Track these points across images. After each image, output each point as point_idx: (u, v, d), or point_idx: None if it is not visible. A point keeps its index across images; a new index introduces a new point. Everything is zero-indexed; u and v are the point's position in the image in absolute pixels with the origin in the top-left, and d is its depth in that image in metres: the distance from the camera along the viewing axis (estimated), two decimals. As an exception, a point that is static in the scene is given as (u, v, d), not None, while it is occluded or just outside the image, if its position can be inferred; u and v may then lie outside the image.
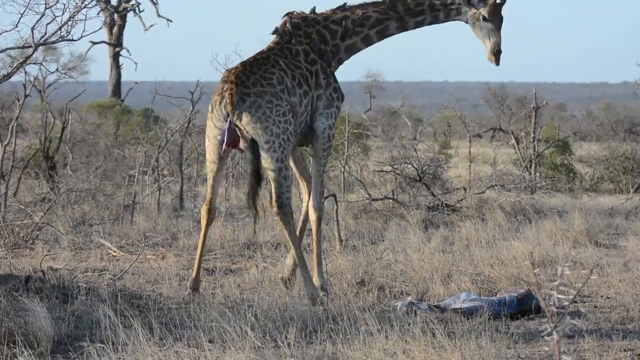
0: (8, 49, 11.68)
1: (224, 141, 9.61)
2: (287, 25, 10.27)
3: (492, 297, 9.62)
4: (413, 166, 17.66)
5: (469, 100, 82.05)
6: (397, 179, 17.72)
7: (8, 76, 11.21)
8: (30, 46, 11.33)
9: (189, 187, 19.20)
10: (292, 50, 10.18)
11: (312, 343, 8.18)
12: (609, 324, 9.06)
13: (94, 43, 41.33)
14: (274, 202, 9.73)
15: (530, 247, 12.43)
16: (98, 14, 31.19)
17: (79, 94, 19.63)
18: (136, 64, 41.16)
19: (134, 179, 17.02)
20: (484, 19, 10.23)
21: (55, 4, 11.47)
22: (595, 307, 9.79)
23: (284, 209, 9.71)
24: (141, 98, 29.13)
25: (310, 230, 10.24)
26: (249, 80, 9.76)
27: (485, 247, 12.87)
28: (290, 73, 9.97)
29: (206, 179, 10.88)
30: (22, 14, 11.48)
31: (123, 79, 42.97)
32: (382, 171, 18.39)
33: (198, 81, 18.32)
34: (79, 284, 9.89)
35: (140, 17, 40.82)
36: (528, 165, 20.42)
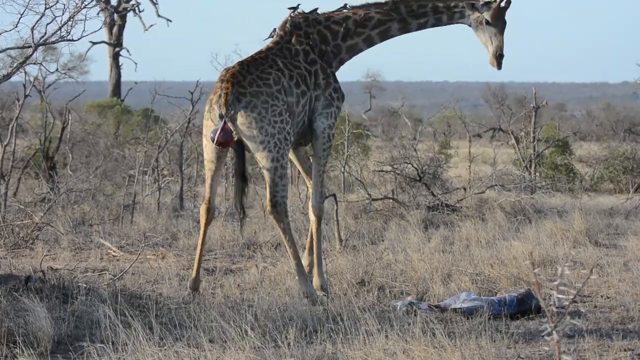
0: (8, 49, 11.67)
1: (214, 139, 9.64)
2: (288, 25, 10.27)
3: (492, 297, 9.61)
4: (413, 166, 17.66)
5: (469, 100, 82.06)
6: (397, 179, 17.72)
7: (8, 76, 11.20)
8: (30, 46, 11.32)
9: (189, 187, 19.20)
10: (292, 50, 10.18)
11: (312, 343, 8.18)
12: (609, 323, 9.06)
13: (94, 43, 41.38)
14: (267, 201, 9.77)
15: (530, 247, 12.43)
16: (98, 14, 31.24)
17: (79, 94, 19.63)
18: (136, 64, 41.22)
19: (134, 179, 17.02)
20: (487, 22, 10.22)
21: (55, 4, 11.46)
22: (595, 307, 9.79)
23: (278, 208, 9.74)
24: (141, 98, 29.13)
25: (315, 229, 10.25)
26: (245, 80, 9.77)
27: (485, 247, 12.87)
28: (288, 73, 9.97)
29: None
30: (22, 14, 11.48)
31: (123, 79, 42.99)
32: (382, 171, 18.39)
33: (198, 81, 18.32)
34: (79, 284, 9.89)
35: (140, 17, 40.85)
36: (528, 165, 20.42)
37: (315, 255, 10.10)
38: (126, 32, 42.42)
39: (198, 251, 10.00)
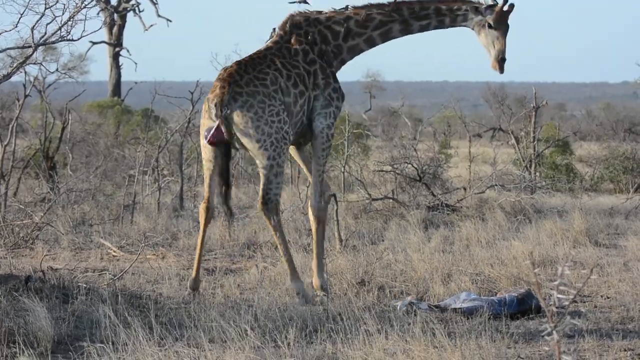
0: (8, 49, 11.68)
1: (207, 138, 9.70)
2: (288, 24, 10.27)
3: (492, 297, 9.61)
4: (413, 166, 17.65)
5: (469, 100, 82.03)
6: (397, 179, 17.71)
7: (8, 76, 11.21)
8: (30, 46, 11.32)
9: (189, 187, 19.20)
10: (291, 49, 10.18)
11: (312, 343, 8.18)
12: (609, 323, 9.06)
13: (94, 43, 41.38)
14: (259, 197, 9.82)
15: (530, 247, 12.43)
16: (98, 14, 31.25)
17: (79, 94, 19.61)
18: (136, 64, 41.21)
19: (134, 179, 17.02)
20: (490, 26, 10.21)
21: (55, 4, 11.47)
22: (595, 307, 9.78)
23: (269, 205, 9.79)
24: (141, 98, 29.13)
25: (315, 229, 10.25)
26: (242, 79, 9.79)
27: (485, 247, 12.87)
28: (286, 73, 9.98)
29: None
30: (22, 14, 11.49)
31: (123, 79, 43.00)
32: (382, 171, 18.39)
33: (198, 81, 18.33)
34: (79, 284, 9.89)
35: (140, 17, 40.86)
36: (528, 165, 20.42)
37: (315, 255, 10.10)
38: (126, 32, 42.48)
39: (198, 251, 10.00)
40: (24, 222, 13.10)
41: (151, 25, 40.56)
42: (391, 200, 16.50)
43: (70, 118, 19.96)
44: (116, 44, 41.90)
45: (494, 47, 10.23)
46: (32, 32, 11.35)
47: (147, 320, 8.43)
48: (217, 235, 13.72)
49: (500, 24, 10.22)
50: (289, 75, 9.99)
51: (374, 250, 12.23)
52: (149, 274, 11.39)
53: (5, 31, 11.32)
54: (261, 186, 9.83)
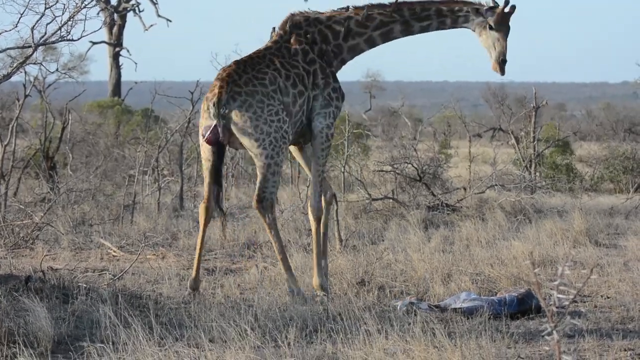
0: (8, 49, 11.67)
1: (205, 137, 9.73)
2: (288, 24, 10.27)
3: (492, 297, 9.61)
4: (413, 166, 17.65)
5: (469, 100, 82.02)
6: (397, 179, 17.71)
7: (8, 76, 11.20)
8: (30, 46, 11.32)
9: (189, 187, 19.20)
10: (291, 49, 10.18)
11: (312, 343, 8.18)
12: (609, 323, 9.06)
13: (94, 43, 41.39)
14: (255, 195, 9.84)
15: (530, 246, 12.43)
16: (98, 14, 31.28)
17: (79, 94, 19.61)
18: (136, 63, 41.23)
19: (134, 179, 17.02)
20: (491, 27, 10.20)
21: (55, 4, 11.46)
22: (595, 307, 9.78)
23: (264, 203, 9.80)
24: (141, 98, 29.13)
25: (315, 229, 10.26)
26: (241, 79, 9.80)
27: (485, 247, 12.87)
28: (285, 73, 9.99)
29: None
30: (22, 14, 11.48)
31: (123, 78, 43.00)
32: (382, 171, 18.39)
33: (198, 81, 18.33)
34: (79, 284, 9.89)
35: (140, 17, 40.86)
36: (528, 165, 20.42)
37: (314, 255, 10.10)
38: (126, 32, 42.48)
39: (198, 250, 10.01)
40: (24, 222, 13.10)
41: (151, 25, 40.61)
42: (391, 200, 16.50)
43: (70, 118, 19.96)
44: (116, 44, 41.90)
45: (495, 48, 10.23)
46: (32, 32, 11.35)
47: (147, 320, 8.43)
48: (217, 235, 13.71)
49: (501, 25, 10.22)
50: (288, 75, 9.99)
51: (374, 250, 12.23)
52: (149, 274, 11.39)
53: (5, 31, 11.32)
54: (257, 184, 9.86)
